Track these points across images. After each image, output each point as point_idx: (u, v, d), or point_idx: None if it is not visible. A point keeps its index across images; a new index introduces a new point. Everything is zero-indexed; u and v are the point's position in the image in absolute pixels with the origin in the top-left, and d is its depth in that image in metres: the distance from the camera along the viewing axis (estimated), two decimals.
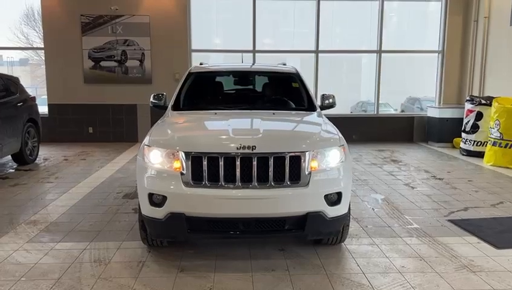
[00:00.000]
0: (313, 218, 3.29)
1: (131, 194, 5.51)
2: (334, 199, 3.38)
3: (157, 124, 4.11)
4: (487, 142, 7.79)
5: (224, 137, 3.48)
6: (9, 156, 7.22)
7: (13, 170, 7.05)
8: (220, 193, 3.23)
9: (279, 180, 3.28)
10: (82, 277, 3.29)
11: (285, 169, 3.27)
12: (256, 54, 10.10)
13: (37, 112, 7.93)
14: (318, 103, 4.81)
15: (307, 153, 3.31)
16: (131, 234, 4.14)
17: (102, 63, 9.83)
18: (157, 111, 4.88)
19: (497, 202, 5.33)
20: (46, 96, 10.01)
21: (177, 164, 3.28)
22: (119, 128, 10.02)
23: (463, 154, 8.51)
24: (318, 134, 3.69)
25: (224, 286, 3.18)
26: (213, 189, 3.24)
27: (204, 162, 3.24)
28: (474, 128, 8.35)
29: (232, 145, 3.27)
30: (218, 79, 5.48)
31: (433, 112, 9.89)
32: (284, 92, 5.13)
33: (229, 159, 3.24)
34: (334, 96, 4.85)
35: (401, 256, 3.69)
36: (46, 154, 8.43)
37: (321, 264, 3.52)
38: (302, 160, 3.29)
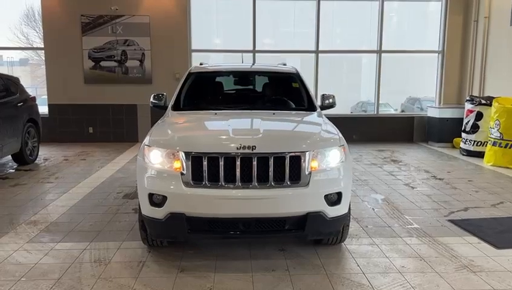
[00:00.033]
0: (313, 218, 3.29)
1: (132, 194, 5.51)
2: (334, 199, 3.38)
3: (158, 124, 4.11)
4: (487, 142, 7.79)
5: (224, 137, 3.48)
6: (10, 156, 7.22)
7: (13, 170, 7.06)
8: (220, 193, 3.23)
9: (279, 180, 3.28)
10: (82, 277, 3.29)
11: (285, 169, 3.27)
12: (256, 54, 10.10)
13: (37, 112, 7.93)
14: (318, 103, 4.81)
15: (307, 153, 3.31)
16: (132, 234, 4.14)
17: (103, 63, 9.83)
18: (158, 111, 4.88)
19: (497, 202, 5.33)
20: (46, 97, 10.01)
21: (177, 164, 3.28)
22: (119, 128, 10.03)
23: (463, 154, 8.51)
24: (318, 134, 3.69)
25: (224, 286, 3.18)
26: (213, 189, 3.24)
27: (205, 162, 3.24)
28: (474, 128, 8.35)
29: (232, 145, 3.27)
30: (218, 79, 5.48)
31: (433, 112, 9.90)
32: (284, 92, 5.13)
33: (229, 159, 3.24)
34: (334, 97, 4.85)
35: (401, 256, 3.69)
36: (46, 154, 8.43)
37: (321, 264, 3.52)
38: (302, 160, 3.29)
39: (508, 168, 7.20)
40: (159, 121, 4.22)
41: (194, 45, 10.09)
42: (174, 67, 9.78)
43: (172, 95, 4.79)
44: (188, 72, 5.09)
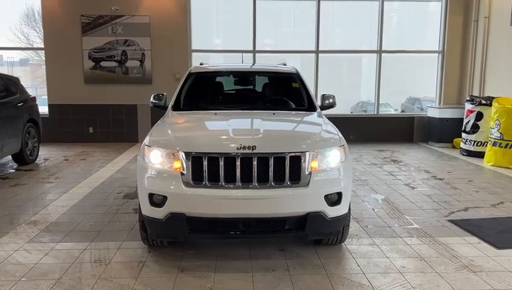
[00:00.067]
0: (313, 218, 3.29)
1: (132, 194, 5.51)
2: (334, 199, 3.38)
3: (158, 124, 4.11)
4: (487, 143, 7.79)
5: (224, 137, 3.48)
6: (10, 156, 7.22)
7: (13, 170, 7.06)
8: (220, 193, 3.23)
9: (279, 181, 3.28)
10: (82, 277, 3.29)
11: (286, 169, 3.27)
12: (257, 54, 10.11)
13: (37, 112, 7.93)
14: (318, 103, 4.81)
15: (307, 153, 3.31)
16: (132, 234, 4.14)
17: (103, 63, 9.83)
18: (158, 111, 4.88)
19: (498, 202, 5.33)
20: (46, 97, 10.01)
21: (177, 164, 3.28)
22: (119, 128, 10.03)
23: (463, 155, 8.51)
24: (318, 134, 3.69)
25: (224, 286, 3.18)
26: (213, 189, 3.24)
27: (205, 162, 3.24)
28: (475, 128, 8.35)
29: (232, 145, 3.27)
30: (218, 79, 5.48)
31: (433, 112, 9.90)
32: (284, 92, 5.13)
33: (229, 159, 3.24)
34: (334, 97, 4.85)
35: (401, 256, 3.69)
36: (47, 154, 8.43)
37: (321, 265, 3.52)
38: (302, 160, 3.29)
39: (508, 168, 7.20)
40: (159, 121, 4.22)
41: (194, 45, 10.09)
42: (174, 68, 9.78)
43: (173, 95, 4.79)
44: (188, 72, 5.09)
